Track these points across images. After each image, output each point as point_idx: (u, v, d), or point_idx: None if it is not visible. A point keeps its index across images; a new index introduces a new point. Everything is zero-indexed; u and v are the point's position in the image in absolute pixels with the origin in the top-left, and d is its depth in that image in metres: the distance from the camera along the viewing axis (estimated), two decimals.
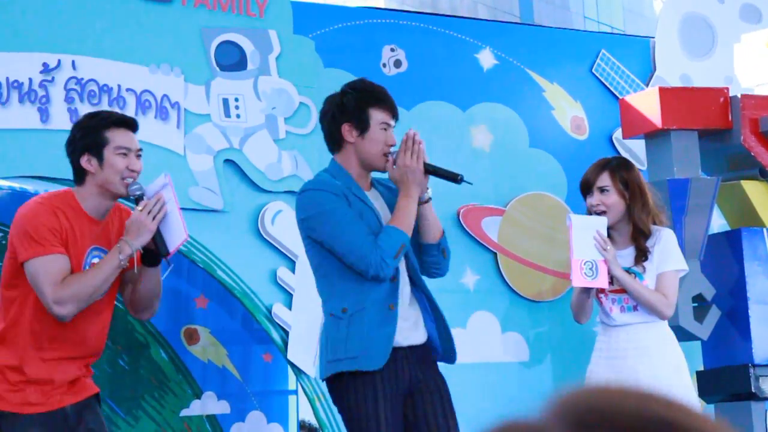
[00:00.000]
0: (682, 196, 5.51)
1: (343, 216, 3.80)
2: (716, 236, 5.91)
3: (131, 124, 3.80)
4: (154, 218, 3.64)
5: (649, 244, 4.51)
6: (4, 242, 5.04)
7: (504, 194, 6.02)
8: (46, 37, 4.87)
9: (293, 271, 5.33)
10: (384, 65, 5.86)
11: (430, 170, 3.90)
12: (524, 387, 5.87)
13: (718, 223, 6.22)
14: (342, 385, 3.83)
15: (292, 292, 5.32)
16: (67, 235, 3.66)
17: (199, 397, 5.27)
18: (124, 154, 3.70)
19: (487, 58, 6.13)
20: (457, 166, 5.87)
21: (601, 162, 4.61)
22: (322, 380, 3.95)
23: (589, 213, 4.55)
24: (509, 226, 5.98)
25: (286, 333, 5.27)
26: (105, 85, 4.96)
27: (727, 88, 5.87)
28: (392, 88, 5.86)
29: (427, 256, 4.00)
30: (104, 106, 4.87)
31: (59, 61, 4.88)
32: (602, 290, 4.58)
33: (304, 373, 5.30)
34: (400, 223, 3.81)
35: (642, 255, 4.50)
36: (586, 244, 4.46)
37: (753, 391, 5.61)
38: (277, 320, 5.24)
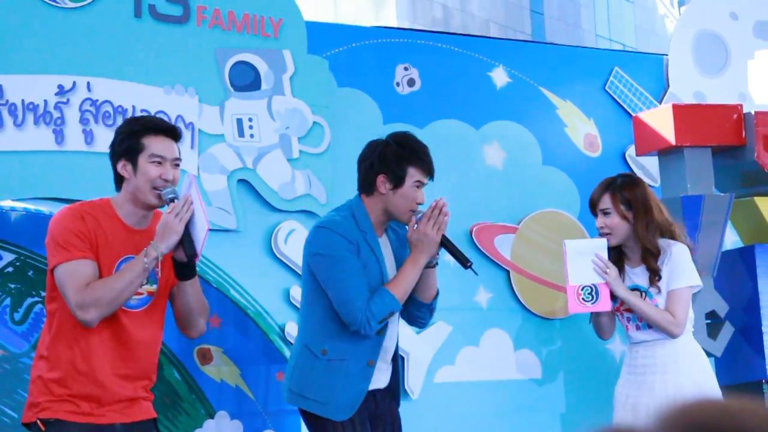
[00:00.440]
0: (695, 213, 5.50)
1: (349, 267, 3.91)
2: (730, 253, 5.90)
3: (172, 132, 3.68)
4: (180, 220, 3.53)
5: (660, 262, 4.49)
6: (18, 264, 5.07)
7: (517, 212, 6.03)
8: (61, 59, 4.88)
9: None
10: (397, 84, 5.88)
11: (446, 245, 3.99)
12: (537, 405, 5.86)
13: (732, 240, 6.21)
14: (309, 418, 4.04)
15: None
16: (97, 240, 3.56)
17: (212, 417, 5.27)
18: (159, 163, 3.60)
19: (500, 77, 6.13)
20: (470, 183, 5.96)
21: (604, 183, 4.60)
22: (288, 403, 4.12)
23: (600, 234, 4.56)
24: (522, 244, 5.98)
25: None
26: (120, 106, 4.98)
27: (741, 105, 5.86)
28: (405, 106, 5.95)
29: (415, 310, 4.14)
30: None
31: (74, 83, 4.90)
32: (618, 309, 4.58)
33: None
34: (398, 290, 3.94)
35: (654, 275, 4.49)
36: (584, 268, 4.47)
37: None
38: (290, 339, 5.24)
